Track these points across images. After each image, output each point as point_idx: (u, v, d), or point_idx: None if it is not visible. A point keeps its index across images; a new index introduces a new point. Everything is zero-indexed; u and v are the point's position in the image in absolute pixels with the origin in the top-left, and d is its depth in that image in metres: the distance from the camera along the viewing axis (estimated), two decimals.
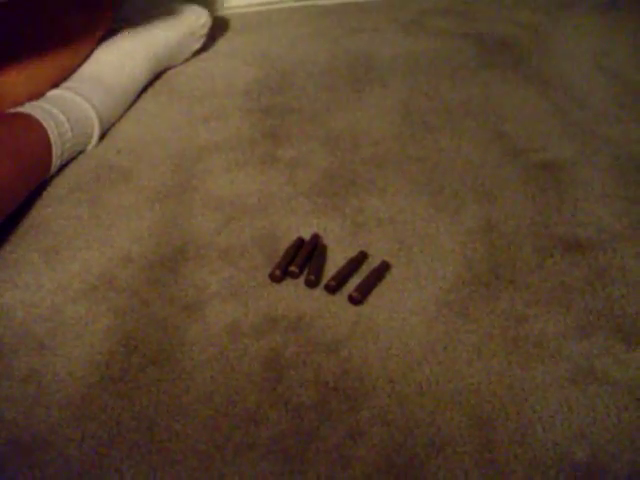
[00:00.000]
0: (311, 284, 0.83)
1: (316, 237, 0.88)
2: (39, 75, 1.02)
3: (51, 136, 0.96)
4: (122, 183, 1.00)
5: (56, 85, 1.06)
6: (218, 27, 1.42)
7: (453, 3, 1.42)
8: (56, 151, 0.97)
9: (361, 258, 0.86)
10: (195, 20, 1.27)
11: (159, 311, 0.81)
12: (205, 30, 1.29)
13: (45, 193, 0.98)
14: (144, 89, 1.21)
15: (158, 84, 1.24)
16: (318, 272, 0.84)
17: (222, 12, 1.50)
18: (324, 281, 0.83)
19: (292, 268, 0.84)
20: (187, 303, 0.82)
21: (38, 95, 1.03)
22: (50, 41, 1.02)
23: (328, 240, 0.89)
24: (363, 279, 0.83)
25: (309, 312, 0.80)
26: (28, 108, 0.99)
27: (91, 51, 1.13)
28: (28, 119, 0.96)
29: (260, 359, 0.75)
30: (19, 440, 0.68)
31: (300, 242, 0.87)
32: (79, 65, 1.11)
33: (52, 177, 1.00)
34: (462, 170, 1.01)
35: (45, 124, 0.96)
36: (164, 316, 0.80)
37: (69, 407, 0.72)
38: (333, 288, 0.82)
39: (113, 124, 1.11)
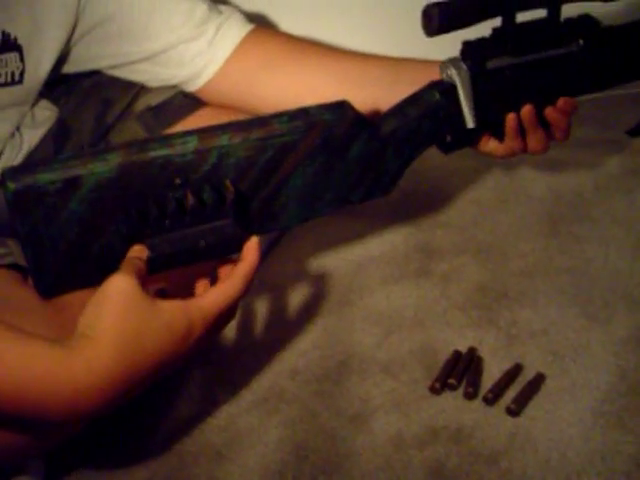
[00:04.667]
0: (469, 396, 0.87)
1: (472, 350, 0.93)
2: None
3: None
4: (284, 298, 1.07)
5: None
6: None
7: (593, 112, 1.46)
8: None
9: (516, 370, 0.90)
10: None
11: (327, 422, 0.87)
12: None
13: None
14: None
15: None
16: (476, 384, 0.88)
17: None
18: (482, 393, 0.87)
19: (451, 381, 0.89)
20: (353, 414, 0.87)
21: None
22: None
23: (484, 352, 0.93)
24: (519, 391, 0.87)
25: (469, 423, 0.84)
26: None
27: None
28: None
29: (424, 469, 0.80)
30: None
31: (457, 355, 0.92)
32: None
33: None
34: (611, 279, 1.04)
35: None
36: (332, 427, 0.86)
37: None
38: (491, 400, 0.86)
39: (275, 242, 1.18)
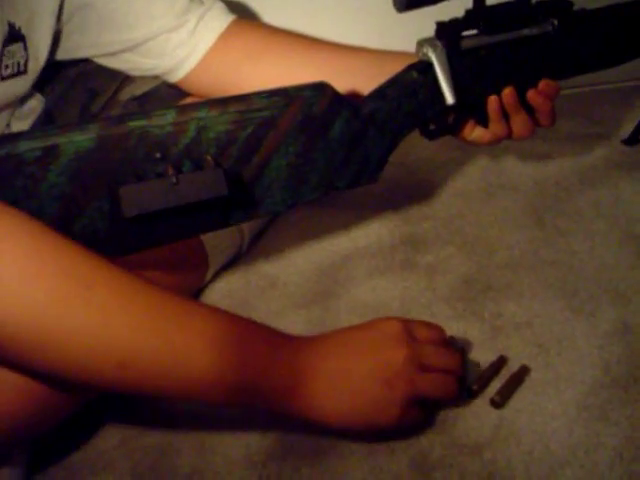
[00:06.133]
0: None
1: (455, 341, 0.93)
2: None
3: (207, 246, 1.04)
4: (270, 289, 1.07)
5: None
6: None
7: (579, 106, 1.46)
8: (211, 260, 1.05)
9: (500, 362, 0.90)
10: None
11: None
12: None
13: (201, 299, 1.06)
14: None
15: None
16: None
17: None
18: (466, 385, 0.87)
19: None
20: None
21: None
22: None
23: (468, 344, 0.93)
24: (503, 383, 0.87)
25: (452, 415, 0.84)
26: None
27: None
28: None
29: (407, 460, 0.79)
30: None
31: None
32: None
33: (206, 284, 1.08)
34: (596, 272, 1.04)
35: (201, 235, 1.03)
36: None
37: None
38: (475, 392, 0.86)
39: (261, 232, 1.18)
